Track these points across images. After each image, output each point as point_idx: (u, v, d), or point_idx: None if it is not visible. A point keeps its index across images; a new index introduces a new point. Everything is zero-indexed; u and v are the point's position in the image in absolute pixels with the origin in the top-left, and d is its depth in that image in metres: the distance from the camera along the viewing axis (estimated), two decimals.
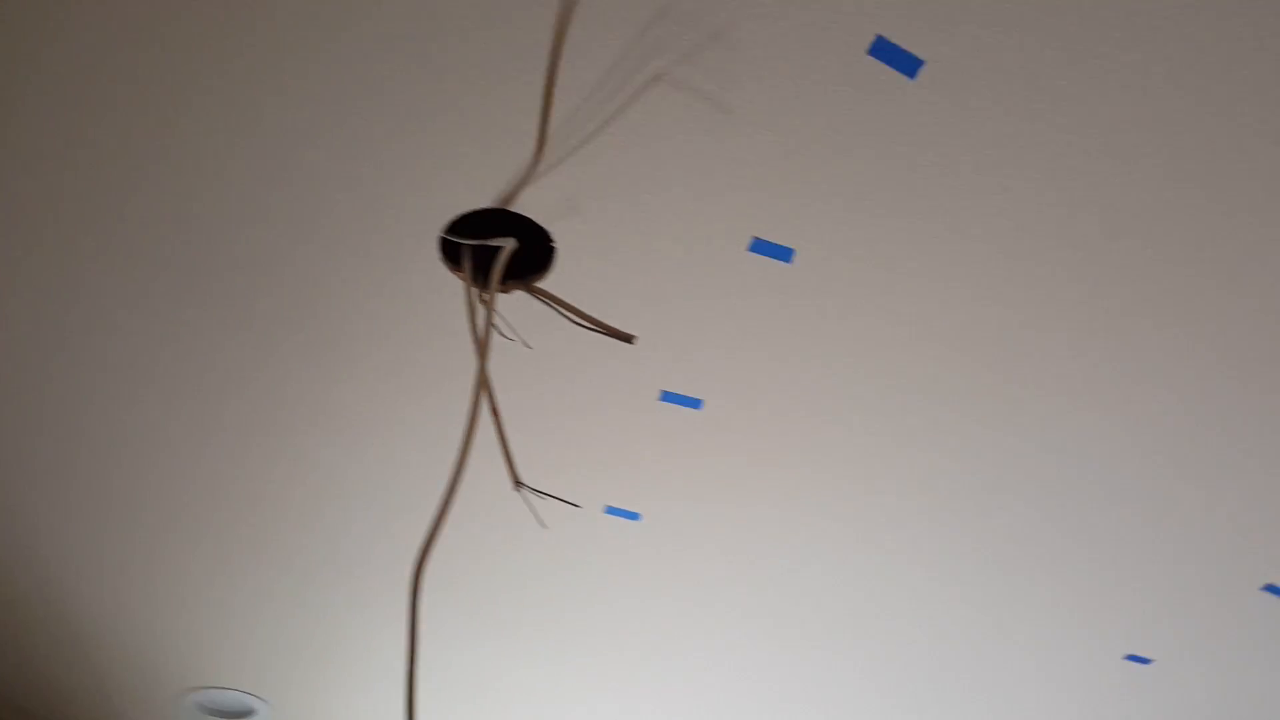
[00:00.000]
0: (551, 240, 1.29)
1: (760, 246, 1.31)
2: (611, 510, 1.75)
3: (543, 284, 1.35)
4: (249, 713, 2.39)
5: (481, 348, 1.08)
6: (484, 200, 1.26)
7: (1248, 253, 1.27)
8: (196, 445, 1.67)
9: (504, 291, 1.32)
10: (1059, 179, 1.20)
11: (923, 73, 1.09)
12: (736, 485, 1.69)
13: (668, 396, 1.54)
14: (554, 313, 1.39)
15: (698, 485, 1.69)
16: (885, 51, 1.07)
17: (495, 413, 1.19)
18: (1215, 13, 1.02)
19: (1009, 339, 1.41)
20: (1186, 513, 1.69)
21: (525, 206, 1.25)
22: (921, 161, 1.19)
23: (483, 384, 1.04)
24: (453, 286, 1.37)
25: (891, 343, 1.42)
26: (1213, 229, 1.24)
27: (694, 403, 1.54)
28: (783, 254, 1.32)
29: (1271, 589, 1.86)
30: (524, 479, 1.54)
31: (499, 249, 1.20)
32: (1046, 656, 2.08)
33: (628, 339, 1.43)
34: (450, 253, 1.33)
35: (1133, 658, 2.07)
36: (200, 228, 1.32)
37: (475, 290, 1.23)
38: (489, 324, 1.10)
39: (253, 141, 1.21)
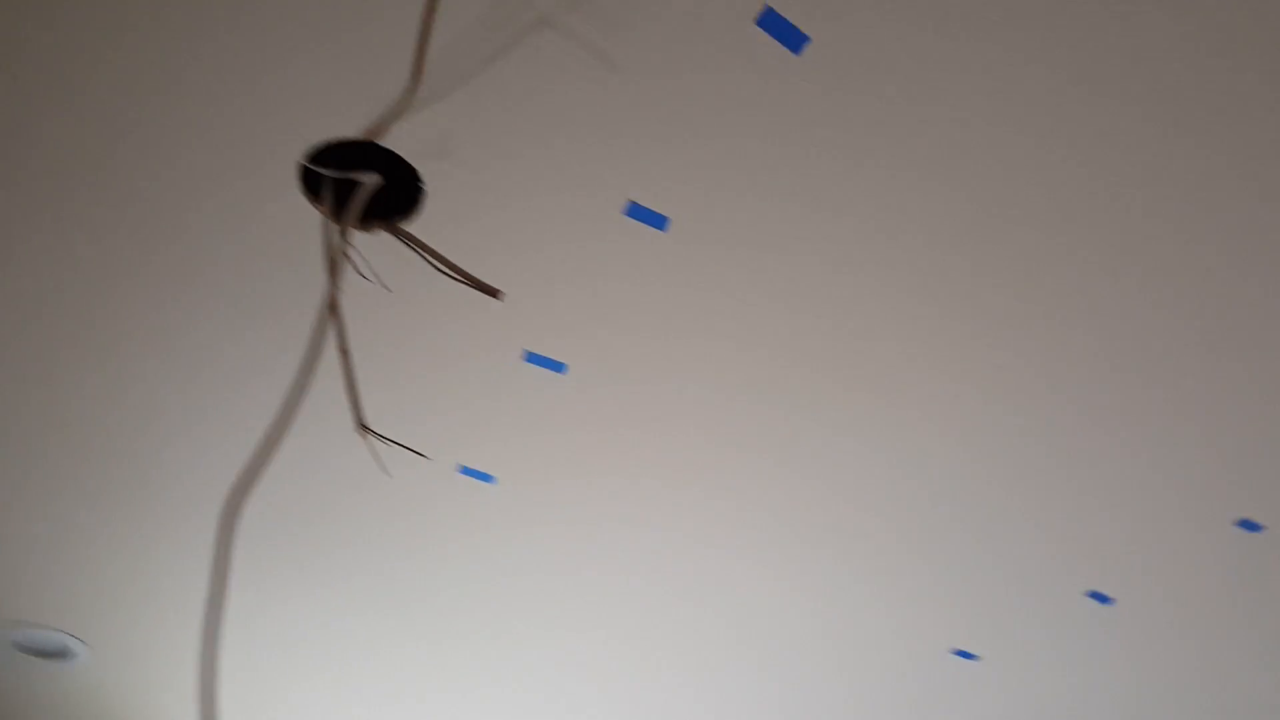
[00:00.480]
0: (420, 181, 1.24)
1: (636, 211, 1.29)
2: (465, 470, 1.71)
3: (408, 226, 1.29)
4: (67, 653, 2.27)
5: (332, 278, 1.03)
6: (352, 131, 1.20)
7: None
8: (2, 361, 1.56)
9: (365, 230, 1.26)
10: (936, 173, 1.21)
11: (808, 50, 1.08)
12: (598, 455, 1.66)
13: (532, 358, 1.50)
14: (419, 258, 1.34)
15: (557, 452, 1.66)
16: (773, 23, 1.06)
17: (344, 351, 1.14)
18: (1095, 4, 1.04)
19: (876, 321, 1.42)
20: (1016, 521, 1.74)
21: (395, 142, 1.20)
22: (801, 142, 1.18)
23: (332, 315, 0.99)
24: (313, 219, 1.31)
25: (760, 318, 1.42)
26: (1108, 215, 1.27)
27: (558, 366, 1.51)
28: (658, 221, 1.30)
29: (1095, 595, 1.93)
30: (372, 426, 1.48)
31: (361, 183, 1.14)
32: (874, 651, 2.13)
33: (494, 294, 1.38)
34: (311, 183, 1.26)
35: (960, 653, 2.13)
36: (49, 138, 1.22)
37: (334, 225, 1.17)
38: (341, 256, 1.04)
39: (113, 56, 1.12)
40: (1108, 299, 1.35)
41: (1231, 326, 1.39)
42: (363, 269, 1.31)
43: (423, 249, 1.28)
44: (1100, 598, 1.95)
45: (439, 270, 1.34)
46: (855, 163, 1.20)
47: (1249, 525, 1.76)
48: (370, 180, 1.12)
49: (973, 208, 1.25)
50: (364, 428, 1.10)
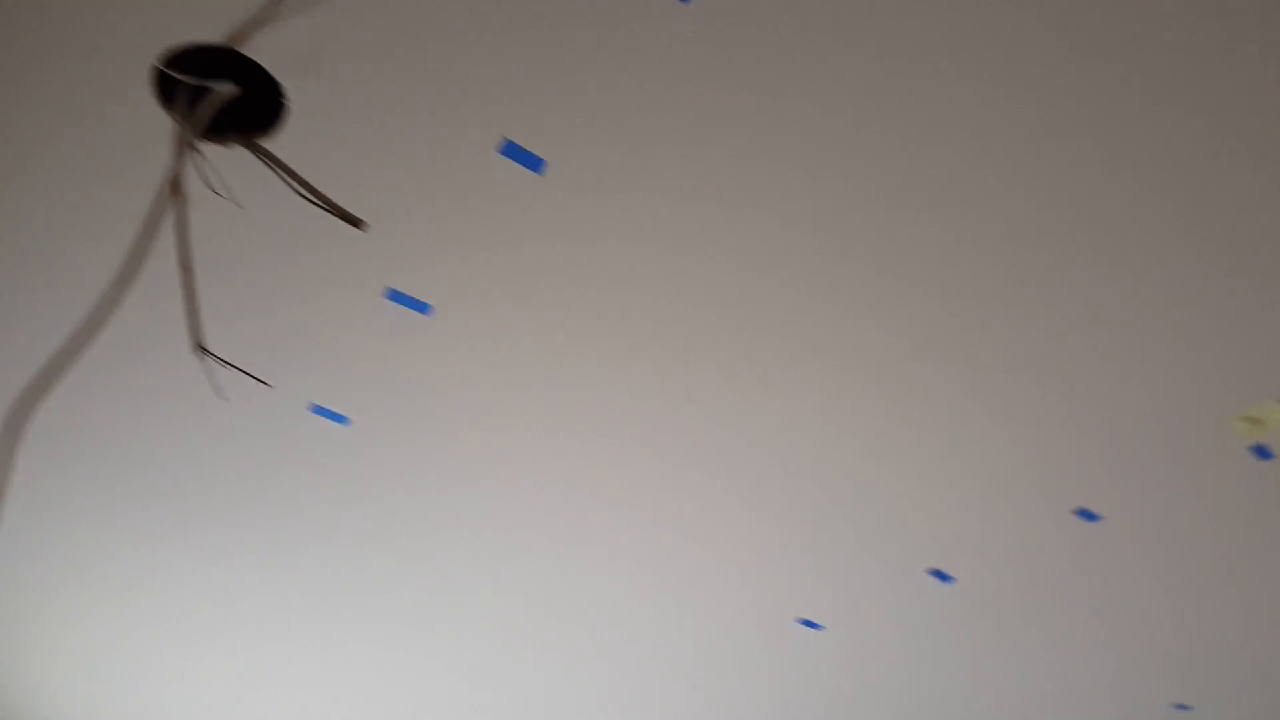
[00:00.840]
0: (283, 95, 1.16)
1: (511, 151, 1.24)
2: (317, 409, 1.64)
3: (268, 143, 1.21)
4: None
5: (173, 184, 0.95)
6: (214, 35, 1.11)
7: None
8: None
9: (220, 143, 1.18)
10: (813, 140, 1.20)
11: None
12: (458, 401, 1.61)
13: (394, 296, 1.44)
14: (277, 179, 1.27)
15: (417, 397, 1.61)
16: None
17: (186, 268, 1.06)
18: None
19: (732, 297, 1.40)
20: (864, 496, 1.77)
21: (259, 51, 1.12)
22: (681, 96, 1.15)
23: (175, 229, 0.91)
24: (164, 127, 1.21)
25: (630, 268, 1.39)
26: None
27: (422, 307, 1.46)
28: (534, 163, 1.25)
29: (936, 573, 1.99)
30: (213, 350, 1.40)
31: (217, 92, 1.06)
32: (721, 618, 2.15)
33: (356, 223, 1.32)
34: (166, 89, 1.17)
35: (805, 622, 2.17)
36: None
37: (183, 132, 1.09)
38: (187, 165, 0.97)
39: None
40: (965, 288, 1.37)
41: (1081, 321, 1.43)
42: (214, 183, 1.22)
43: (281, 168, 1.21)
44: (941, 576, 2.00)
45: (298, 193, 1.27)
46: (731, 116, 1.18)
47: (1087, 515, 1.82)
48: (226, 89, 1.04)
49: (831, 192, 1.24)
50: (201, 348, 1.03)
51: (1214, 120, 1.17)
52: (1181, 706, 2.44)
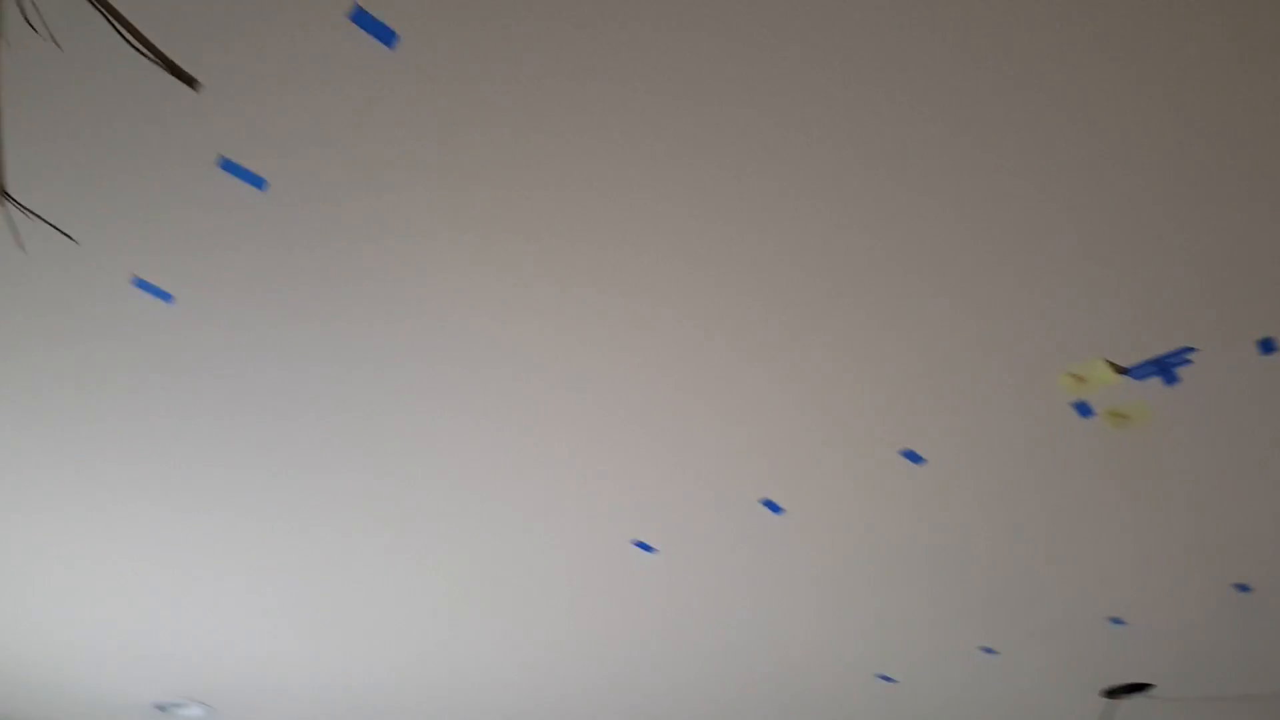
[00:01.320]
0: None
1: (362, 19, 1.16)
2: (140, 284, 1.53)
3: None
4: None
5: None
6: None
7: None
8: None
9: None
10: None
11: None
12: (291, 277, 1.52)
13: (228, 166, 1.35)
14: (106, 24, 1.16)
15: (247, 273, 1.51)
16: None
17: None
18: None
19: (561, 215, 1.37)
20: (699, 424, 1.78)
21: None
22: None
23: None
24: None
25: (474, 152, 1.33)
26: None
27: (258, 181, 1.37)
28: (386, 36, 1.18)
29: (768, 504, 2.02)
30: (17, 196, 1.28)
31: None
32: (558, 539, 2.15)
33: (191, 83, 1.22)
34: None
35: (640, 544, 2.18)
36: None
37: None
38: None
39: None
40: (798, 227, 1.37)
41: (916, 265, 1.45)
42: (29, 14, 1.11)
43: (109, 11, 1.11)
44: (772, 506, 2.03)
45: (128, 42, 1.16)
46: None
47: (912, 456, 1.87)
48: None
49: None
50: (3, 193, 0.94)
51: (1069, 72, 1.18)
52: (988, 650, 2.57)
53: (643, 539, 2.16)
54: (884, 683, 2.77)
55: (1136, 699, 2.78)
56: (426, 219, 1.41)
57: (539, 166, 1.33)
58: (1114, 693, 2.75)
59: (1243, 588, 2.26)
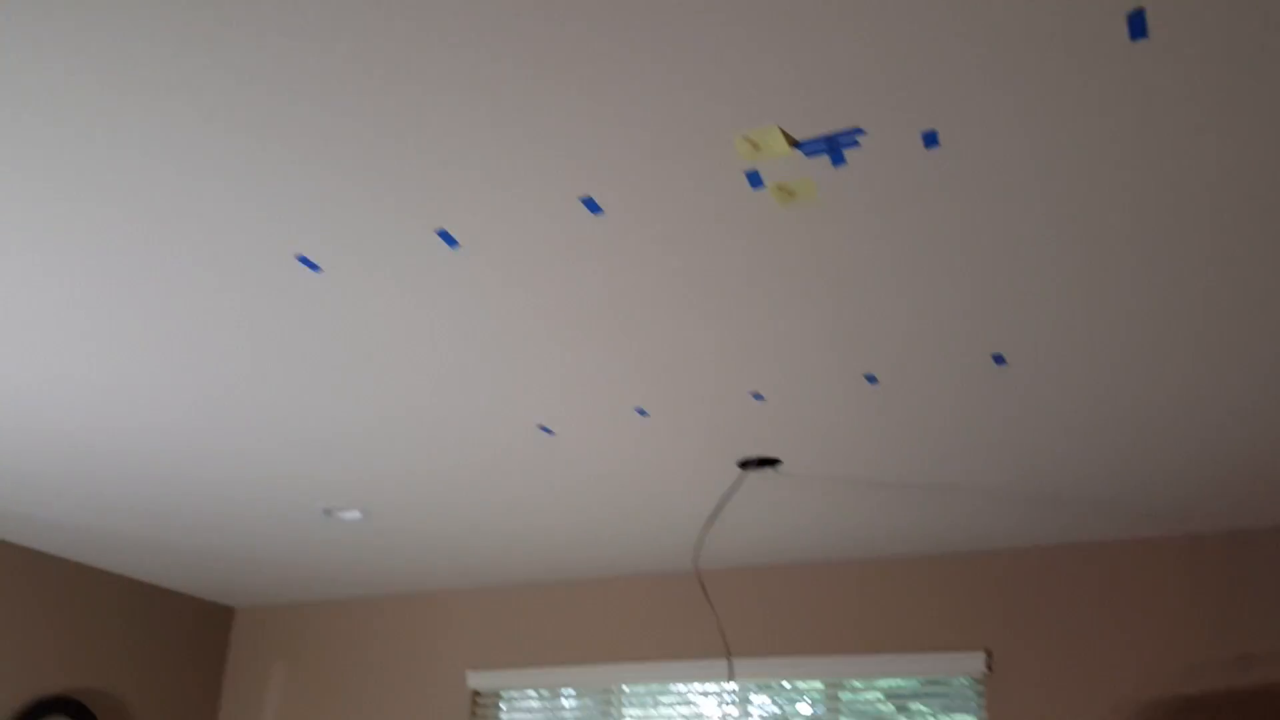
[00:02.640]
0: None
1: None
2: None
3: None
4: None
5: None
6: None
7: None
8: None
9: None
10: None
11: None
12: None
13: None
14: None
15: None
16: None
17: None
18: None
19: None
20: (379, 156, 1.63)
21: None
22: None
23: None
24: None
25: None
26: None
27: None
28: None
29: (443, 234, 1.92)
30: None
31: None
32: (217, 259, 1.96)
33: None
34: None
35: (304, 260, 2.04)
36: None
37: None
38: None
39: None
40: None
41: (599, 13, 1.35)
42: None
43: None
44: (448, 239, 1.95)
45: None
46: None
47: (591, 205, 1.83)
48: None
49: None
50: None
51: None
52: (641, 411, 2.66)
53: (307, 254, 2.02)
54: (545, 434, 2.84)
55: (765, 472, 3.01)
56: None
57: None
58: (746, 464, 2.96)
59: (871, 379, 2.44)
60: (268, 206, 1.86)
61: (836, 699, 3.75)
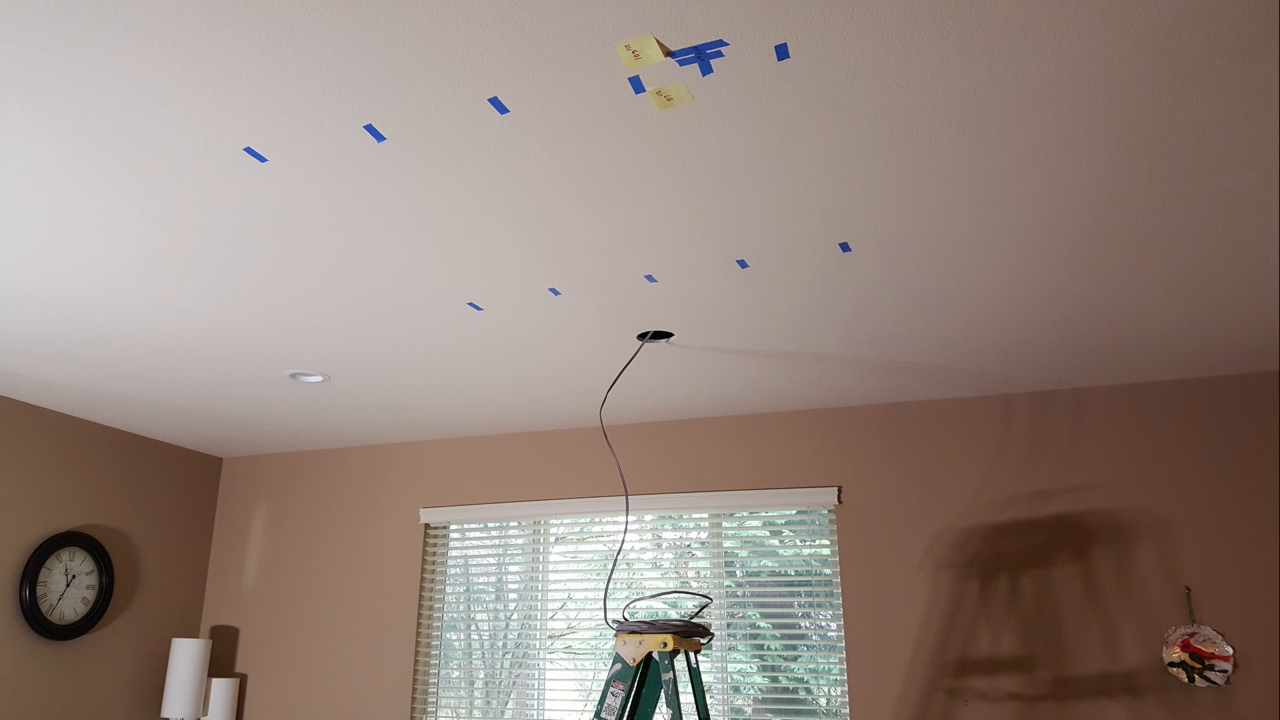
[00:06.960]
0: None
1: None
2: None
3: None
4: None
5: None
6: None
7: None
8: None
9: None
10: None
11: None
12: None
13: None
14: None
15: None
16: None
17: None
18: None
19: None
20: (310, 48, 1.55)
21: None
22: None
23: None
24: None
25: None
26: None
27: None
28: None
29: (370, 129, 1.85)
30: None
31: None
32: (170, 154, 1.86)
33: None
34: None
35: (251, 151, 1.95)
36: None
37: None
38: None
39: None
40: None
41: None
42: None
43: None
44: (375, 133, 1.87)
45: None
46: None
47: (497, 105, 1.77)
48: None
49: None
50: None
51: None
52: (554, 290, 2.64)
53: (254, 146, 1.93)
54: (473, 310, 2.81)
55: (661, 343, 3.03)
56: None
57: None
58: (644, 336, 2.97)
59: (742, 263, 2.45)
60: (223, 102, 1.77)
61: (720, 528, 3.88)
